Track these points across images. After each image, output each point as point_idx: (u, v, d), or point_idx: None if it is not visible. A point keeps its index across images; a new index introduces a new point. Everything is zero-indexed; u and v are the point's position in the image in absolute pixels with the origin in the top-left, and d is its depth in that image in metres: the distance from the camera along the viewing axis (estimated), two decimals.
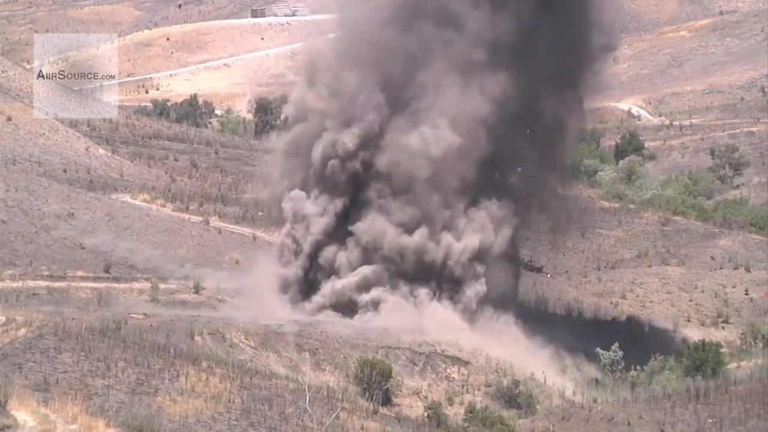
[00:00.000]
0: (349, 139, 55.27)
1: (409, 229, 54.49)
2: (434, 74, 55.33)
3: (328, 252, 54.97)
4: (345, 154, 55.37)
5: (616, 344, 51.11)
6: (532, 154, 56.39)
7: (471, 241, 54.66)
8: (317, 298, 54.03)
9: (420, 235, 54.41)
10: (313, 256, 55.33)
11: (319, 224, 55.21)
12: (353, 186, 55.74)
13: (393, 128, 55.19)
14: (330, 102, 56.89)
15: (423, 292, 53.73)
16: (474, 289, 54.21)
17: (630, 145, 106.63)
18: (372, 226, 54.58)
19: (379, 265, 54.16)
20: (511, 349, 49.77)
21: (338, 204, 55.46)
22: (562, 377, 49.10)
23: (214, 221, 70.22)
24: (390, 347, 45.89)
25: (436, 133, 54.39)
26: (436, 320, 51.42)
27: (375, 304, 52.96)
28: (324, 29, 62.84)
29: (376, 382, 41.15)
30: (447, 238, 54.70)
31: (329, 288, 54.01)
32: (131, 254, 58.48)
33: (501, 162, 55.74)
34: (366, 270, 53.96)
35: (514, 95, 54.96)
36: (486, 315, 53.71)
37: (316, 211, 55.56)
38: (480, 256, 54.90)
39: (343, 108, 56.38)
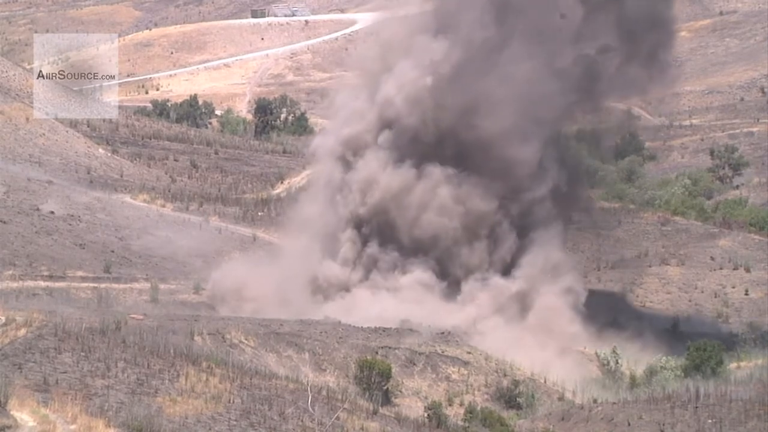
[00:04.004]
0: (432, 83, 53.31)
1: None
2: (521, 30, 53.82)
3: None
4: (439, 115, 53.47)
5: (614, 345, 51.18)
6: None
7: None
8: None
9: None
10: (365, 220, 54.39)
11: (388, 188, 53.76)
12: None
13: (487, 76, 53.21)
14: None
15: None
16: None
17: (630, 145, 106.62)
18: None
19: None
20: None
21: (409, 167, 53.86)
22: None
23: (214, 221, 70.22)
24: (390, 347, 45.90)
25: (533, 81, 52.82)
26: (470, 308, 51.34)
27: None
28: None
29: (376, 383, 41.13)
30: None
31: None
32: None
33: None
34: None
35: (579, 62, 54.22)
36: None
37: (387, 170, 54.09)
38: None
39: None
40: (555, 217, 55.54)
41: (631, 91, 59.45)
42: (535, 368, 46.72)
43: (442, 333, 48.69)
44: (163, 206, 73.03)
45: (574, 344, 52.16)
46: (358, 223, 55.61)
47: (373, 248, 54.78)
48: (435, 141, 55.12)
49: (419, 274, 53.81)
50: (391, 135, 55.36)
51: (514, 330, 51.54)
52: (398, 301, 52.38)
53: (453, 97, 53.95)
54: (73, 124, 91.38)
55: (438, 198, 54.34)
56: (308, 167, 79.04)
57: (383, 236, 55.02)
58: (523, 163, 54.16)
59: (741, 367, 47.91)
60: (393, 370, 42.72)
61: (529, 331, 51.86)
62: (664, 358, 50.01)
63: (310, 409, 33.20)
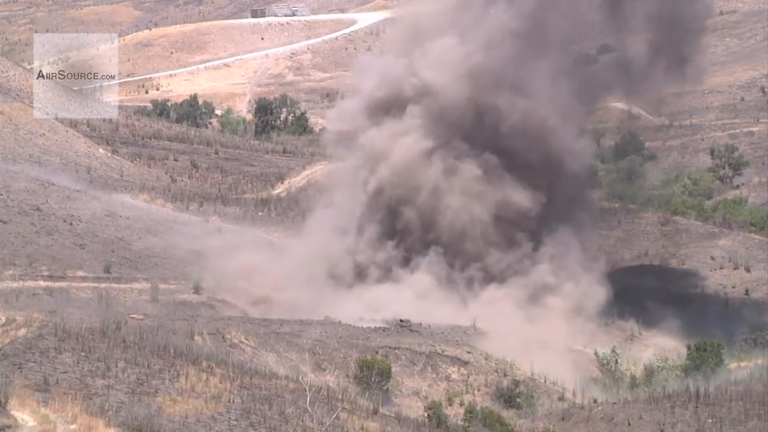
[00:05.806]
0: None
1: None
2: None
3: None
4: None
5: (614, 345, 51.20)
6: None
7: None
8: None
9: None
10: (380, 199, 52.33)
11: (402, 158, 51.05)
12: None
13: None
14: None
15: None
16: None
17: (630, 145, 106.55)
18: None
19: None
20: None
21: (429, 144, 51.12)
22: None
23: (214, 221, 70.19)
24: (390, 347, 45.89)
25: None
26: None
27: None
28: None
29: (376, 383, 41.13)
30: None
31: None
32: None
33: None
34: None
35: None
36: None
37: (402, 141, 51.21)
38: None
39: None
40: (585, 201, 54.07)
41: (660, 86, 58.55)
42: (539, 368, 46.67)
43: (443, 332, 48.65)
44: (163, 206, 73.00)
45: (589, 342, 52.00)
46: (365, 210, 53.68)
47: (377, 243, 53.52)
48: (474, 126, 52.03)
49: (430, 268, 52.59)
50: (420, 111, 52.23)
51: (524, 329, 51.12)
52: (407, 299, 51.94)
53: (503, 74, 51.17)
54: (73, 124, 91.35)
55: (462, 175, 51.90)
56: (309, 163, 78.26)
57: (388, 226, 53.44)
58: (576, 155, 52.25)
59: (741, 367, 47.91)
60: (393, 370, 42.72)
61: (538, 329, 51.39)
62: (662, 357, 50.08)
63: (309, 409, 33.20)
